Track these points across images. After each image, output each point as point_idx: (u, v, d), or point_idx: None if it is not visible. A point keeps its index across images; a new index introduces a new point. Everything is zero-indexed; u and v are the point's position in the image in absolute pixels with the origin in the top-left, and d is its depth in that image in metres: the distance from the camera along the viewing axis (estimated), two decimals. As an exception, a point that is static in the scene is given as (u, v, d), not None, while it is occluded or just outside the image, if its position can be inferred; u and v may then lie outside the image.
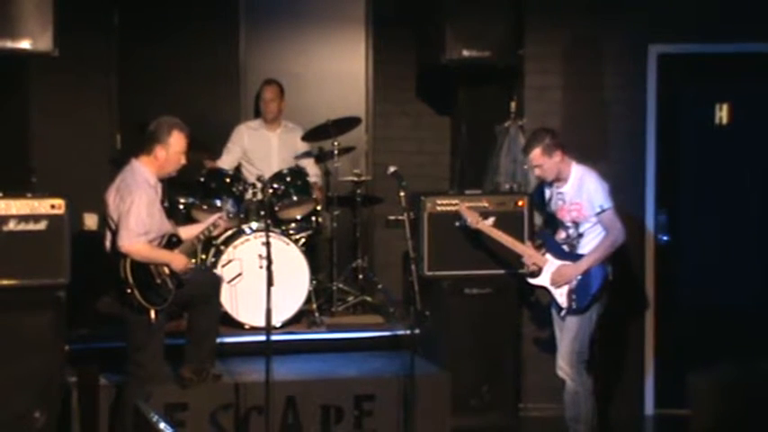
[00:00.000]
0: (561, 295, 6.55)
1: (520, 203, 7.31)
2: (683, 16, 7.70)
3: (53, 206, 6.51)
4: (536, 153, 6.50)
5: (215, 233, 6.64)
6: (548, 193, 6.74)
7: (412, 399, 6.68)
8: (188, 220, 7.55)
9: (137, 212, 6.06)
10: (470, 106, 8.06)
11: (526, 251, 6.73)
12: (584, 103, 7.82)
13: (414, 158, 8.35)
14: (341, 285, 8.06)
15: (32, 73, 7.29)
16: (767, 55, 7.78)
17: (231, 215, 7.33)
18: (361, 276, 8.17)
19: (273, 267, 6.19)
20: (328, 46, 8.72)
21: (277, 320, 7.24)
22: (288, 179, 7.78)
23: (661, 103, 7.83)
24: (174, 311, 6.62)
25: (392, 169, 6.73)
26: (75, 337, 6.95)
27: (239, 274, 7.44)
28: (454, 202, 7.20)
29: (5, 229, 6.43)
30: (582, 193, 6.49)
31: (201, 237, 6.49)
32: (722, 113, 7.91)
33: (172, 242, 6.30)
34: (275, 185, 7.70)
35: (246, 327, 7.43)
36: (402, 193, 6.69)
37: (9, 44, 6.69)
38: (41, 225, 6.49)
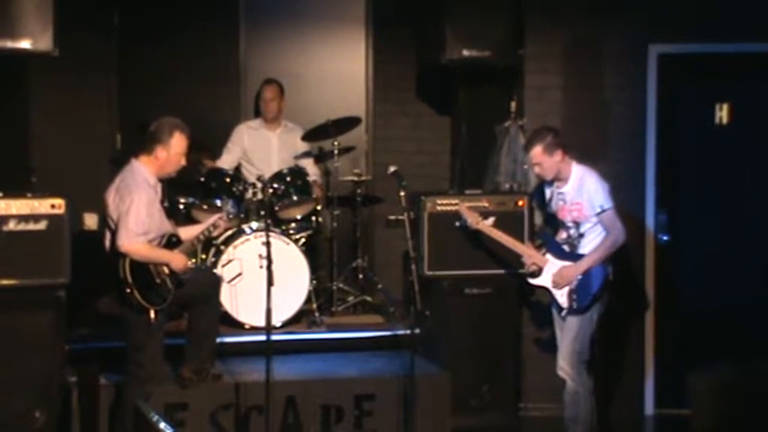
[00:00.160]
0: (562, 295, 6.55)
1: (520, 203, 7.31)
2: (683, 16, 7.70)
3: (53, 206, 6.51)
4: (537, 151, 6.50)
5: (215, 233, 6.64)
6: (548, 193, 6.74)
7: (412, 399, 6.68)
8: (188, 220, 7.55)
9: (136, 212, 6.06)
10: (470, 106, 8.06)
11: (526, 251, 6.73)
12: (584, 103, 7.82)
13: (414, 158, 8.35)
14: (341, 285, 8.06)
15: (32, 73, 7.28)
16: (767, 55, 7.78)
17: (231, 216, 7.31)
18: (361, 276, 8.18)
19: (273, 267, 6.19)
20: (328, 46, 8.72)
21: (277, 320, 7.24)
22: (288, 179, 7.78)
23: (661, 103, 7.83)
24: (174, 311, 6.62)
25: (392, 169, 6.73)
26: (75, 337, 6.96)
27: (239, 274, 7.44)
28: (454, 202, 7.20)
29: (5, 228, 6.43)
30: (582, 194, 6.49)
31: (201, 237, 6.49)
32: (722, 113, 7.91)
33: (171, 242, 6.30)
34: (275, 185, 7.70)
35: (246, 326, 7.43)
36: (402, 193, 6.69)
37: (9, 44, 6.69)
38: (41, 225, 6.49)
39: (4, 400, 6.41)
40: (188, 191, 7.67)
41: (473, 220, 6.87)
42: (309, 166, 8.18)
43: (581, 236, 6.54)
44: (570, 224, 6.57)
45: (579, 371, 6.52)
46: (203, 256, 7.59)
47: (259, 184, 7.30)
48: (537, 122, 7.31)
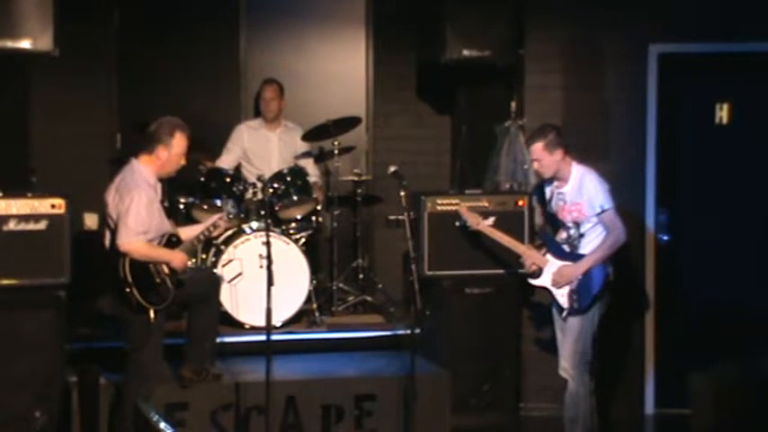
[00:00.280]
0: (562, 296, 6.55)
1: (520, 203, 7.31)
2: (683, 16, 7.70)
3: (53, 206, 6.51)
4: (538, 146, 6.50)
5: (215, 233, 6.64)
6: (548, 193, 6.74)
7: (412, 399, 6.67)
8: (188, 219, 7.55)
9: (136, 211, 6.07)
10: (470, 106, 8.07)
11: (526, 252, 6.73)
12: (584, 103, 7.82)
13: (414, 158, 8.34)
14: (341, 285, 8.06)
15: (32, 73, 7.29)
16: (767, 55, 7.78)
17: (231, 216, 7.32)
18: (361, 276, 8.18)
19: (274, 267, 6.19)
20: (328, 46, 8.72)
21: (277, 320, 7.24)
22: (288, 179, 7.78)
23: (661, 103, 7.83)
24: (174, 311, 6.62)
25: (392, 169, 6.73)
26: (75, 336, 6.95)
27: (239, 274, 7.44)
28: (454, 201, 7.20)
29: (6, 228, 6.43)
30: (582, 194, 6.49)
31: (202, 237, 6.49)
32: (722, 113, 7.91)
33: (171, 242, 6.30)
34: (275, 185, 7.70)
35: (247, 326, 7.43)
36: (402, 193, 6.68)
37: (9, 44, 6.70)
38: (42, 225, 6.49)
39: (4, 400, 6.41)
40: (188, 191, 7.67)
41: (473, 221, 6.87)
42: (309, 166, 8.18)
43: (581, 236, 6.54)
44: (570, 224, 6.56)
45: (581, 371, 6.52)
46: (203, 256, 7.59)
47: (259, 184, 7.29)
48: (537, 122, 7.29)
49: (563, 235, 6.63)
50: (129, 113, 8.27)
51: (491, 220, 6.99)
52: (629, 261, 7.35)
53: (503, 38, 7.59)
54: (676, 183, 7.95)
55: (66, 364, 6.64)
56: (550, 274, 6.59)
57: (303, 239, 7.84)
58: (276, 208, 7.68)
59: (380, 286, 8.22)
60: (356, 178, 8.13)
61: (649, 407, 7.90)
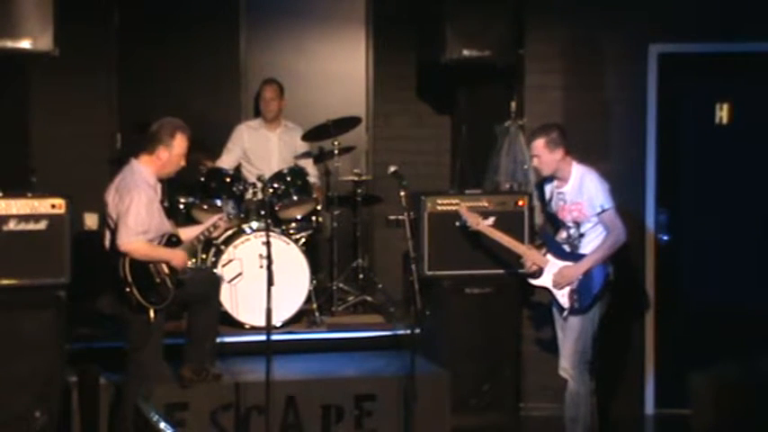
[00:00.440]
0: (563, 296, 6.55)
1: (520, 203, 7.31)
2: (683, 16, 7.70)
3: (53, 206, 6.51)
4: (539, 143, 6.50)
5: (215, 234, 6.64)
6: (548, 193, 6.74)
7: (412, 399, 6.67)
8: (188, 219, 7.55)
9: (136, 211, 6.07)
10: (470, 106, 8.07)
11: (526, 252, 6.73)
12: (584, 103, 7.82)
13: (414, 158, 8.34)
14: (341, 285, 8.06)
15: (32, 73, 7.29)
16: (767, 55, 7.78)
17: (231, 216, 7.33)
18: (361, 276, 8.17)
19: (274, 267, 6.20)
20: (328, 46, 8.72)
21: (277, 320, 7.24)
22: (288, 179, 7.78)
23: (661, 103, 7.83)
24: (174, 311, 6.62)
25: (392, 169, 6.73)
26: (75, 337, 6.95)
27: (239, 274, 7.44)
28: (454, 201, 7.20)
29: (6, 228, 6.42)
30: (583, 193, 6.49)
31: (201, 237, 6.50)
32: (722, 113, 7.91)
33: (171, 242, 6.30)
34: (275, 185, 7.70)
35: (247, 326, 7.43)
36: (402, 193, 6.68)
37: (9, 44, 6.70)
38: (42, 225, 6.48)
39: (4, 400, 6.41)
40: (188, 191, 7.67)
41: (473, 221, 6.87)
42: (309, 166, 8.18)
43: (581, 236, 6.54)
44: (570, 224, 6.56)
45: (581, 371, 6.52)
46: (203, 256, 7.59)
47: (259, 184, 7.29)
48: (537, 122, 7.29)
49: (563, 235, 6.63)
50: (129, 113, 8.27)
51: (491, 220, 6.99)
52: (629, 261, 7.35)
53: (503, 38, 7.59)
54: (676, 183, 7.95)
55: (66, 364, 6.63)
56: (551, 274, 6.59)
57: (303, 239, 7.84)
58: (276, 208, 7.68)
59: (380, 286, 8.21)
60: (356, 178, 8.13)
61: (649, 407, 7.90)
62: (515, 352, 7.45)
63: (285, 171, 7.83)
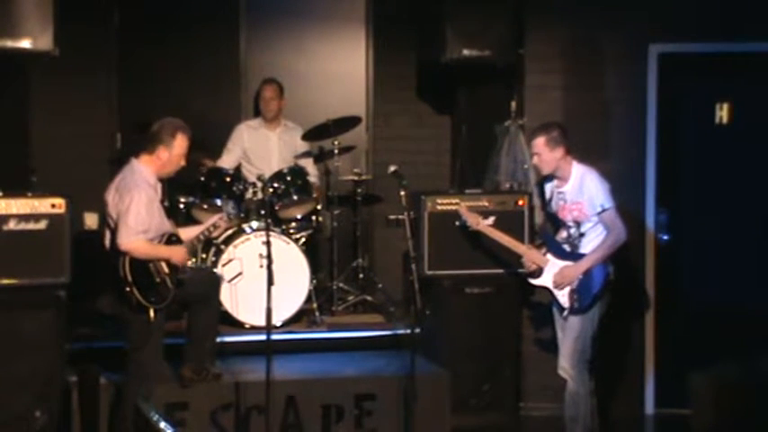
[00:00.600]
0: (563, 295, 6.55)
1: (520, 203, 7.31)
2: (683, 16, 7.70)
3: (53, 205, 6.51)
4: (539, 141, 6.50)
5: (215, 234, 6.65)
6: (548, 192, 6.74)
7: (412, 398, 6.67)
8: (188, 219, 7.55)
9: (136, 210, 6.07)
10: (470, 106, 8.07)
11: (526, 252, 6.73)
12: (584, 103, 7.82)
13: (414, 158, 8.34)
14: (341, 285, 8.06)
15: (32, 73, 7.29)
16: (767, 55, 7.78)
17: (231, 216, 7.33)
18: (361, 275, 8.18)
19: (274, 266, 6.19)
20: (328, 46, 8.72)
21: (277, 320, 7.24)
22: (288, 178, 7.78)
23: (661, 103, 7.83)
24: (174, 311, 6.61)
25: (392, 168, 6.73)
26: (75, 337, 6.95)
27: (239, 274, 7.44)
28: (454, 201, 7.20)
29: (6, 228, 6.43)
30: (583, 193, 6.49)
31: (201, 237, 6.50)
32: (722, 113, 7.91)
33: (171, 242, 6.30)
34: (275, 185, 7.70)
35: (247, 326, 7.43)
36: (402, 193, 6.68)
37: (9, 44, 6.70)
38: (42, 224, 6.49)
39: (4, 400, 6.41)
40: (188, 191, 7.68)
41: (473, 221, 6.87)
42: (309, 166, 8.18)
43: (581, 235, 6.54)
44: (571, 224, 6.57)
45: (580, 371, 6.52)
46: (203, 256, 7.59)
47: (259, 184, 7.29)
48: (537, 122, 7.28)
49: (563, 234, 6.63)
50: (129, 113, 8.27)
51: (491, 219, 6.99)
52: (629, 261, 7.35)
53: (503, 38, 7.59)
54: (676, 183, 7.95)
55: (66, 364, 6.63)
56: (551, 273, 6.59)
57: (303, 239, 7.84)
58: (276, 207, 7.69)
59: (380, 286, 8.22)
60: (356, 178, 8.14)
61: (649, 407, 7.90)
62: (515, 352, 7.45)
63: (285, 171, 7.83)
